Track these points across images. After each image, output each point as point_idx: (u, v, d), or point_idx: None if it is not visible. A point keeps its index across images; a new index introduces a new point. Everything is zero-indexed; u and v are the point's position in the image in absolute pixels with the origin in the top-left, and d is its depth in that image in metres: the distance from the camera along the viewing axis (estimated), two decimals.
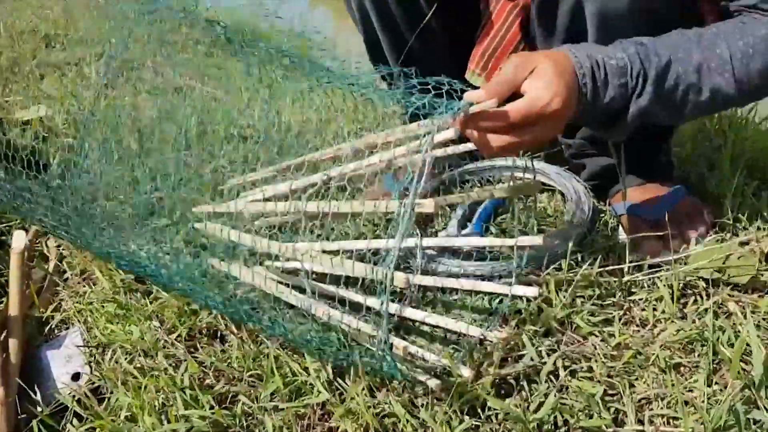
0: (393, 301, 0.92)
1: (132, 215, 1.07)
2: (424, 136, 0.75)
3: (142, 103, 1.49)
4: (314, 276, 0.91)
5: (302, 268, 0.88)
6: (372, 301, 0.85)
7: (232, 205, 0.95)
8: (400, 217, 0.70)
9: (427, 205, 0.79)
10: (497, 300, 0.92)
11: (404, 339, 0.86)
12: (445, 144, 0.87)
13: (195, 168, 1.26)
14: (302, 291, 0.86)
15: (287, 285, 0.89)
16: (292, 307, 0.88)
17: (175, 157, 1.22)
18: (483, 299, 0.93)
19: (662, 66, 0.84)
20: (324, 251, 0.89)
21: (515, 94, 0.81)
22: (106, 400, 0.85)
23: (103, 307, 0.99)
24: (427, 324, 0.89)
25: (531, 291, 0.88)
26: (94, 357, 0.92)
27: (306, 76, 0.96)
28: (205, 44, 1.49)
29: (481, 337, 0.84)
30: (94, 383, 0.88)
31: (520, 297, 0.89)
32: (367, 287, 0.90)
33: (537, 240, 0.89)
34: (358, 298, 0.86)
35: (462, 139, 0.83)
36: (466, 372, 0.78)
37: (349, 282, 0.91)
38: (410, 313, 0.88)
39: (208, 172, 1.28)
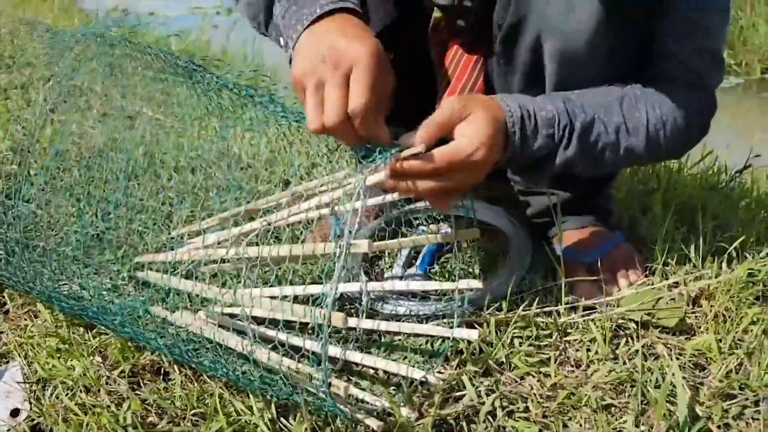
0: (336, 343, 0.94)
1: (74, 249, 1.07)
2: (357, 181, 0.78)
3: (89, 129, 1.48)
4: (255, 320, 0.93)
5: (242, 313, 0.89)
6: (311, 344, 0.87)
7: (173, 254, 0.96)
8: (336, 258, 0.72)
9: (362, 246, 0.82)
10: (439, 341, 0.94)
11: (348, 380, 0.88)
12: (383, 190, 0.90)
13: (140, 198, 1.26)
14: (244, 334, 0.87)
15: (228, 329, 0.90)
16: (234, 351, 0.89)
17: (122, 187, 1.22)
18: (426, 341, 0.95)
19: (587, 122, 0.90)
20: (263, 296, 0.91)
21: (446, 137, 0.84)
22: None
23: (44, 341, 0.98)
24: (368, 367, 0.91)
25: (472, 334, 0.91)
26: (35, 393, 0.91)
27: (256, 107, 0.98)
28: (155, 69, 1.49)
29: (423, 379, 0.86)
30: (33, 420, 0.87)
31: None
32: (311, 329, 0.92)
33: (477, 284, 0.93)
34: (296, 341, 0.88)
35: None
36: (408, 413, 0.80)
37: (293, 326, 0.93)
38: (351, 355, 0.90)
39: (154, 203, 1.28)
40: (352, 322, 0.95)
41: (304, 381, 0.82)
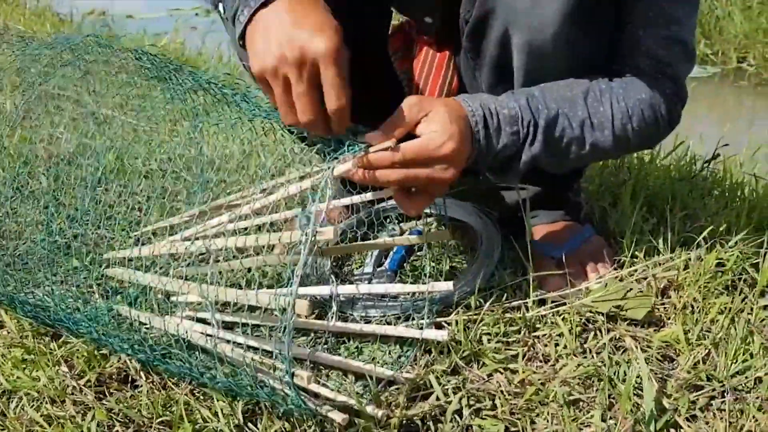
0: (304, 346, 0.94)
1: (42, 256, 1.05)
2: (324, 171, 0.78)
3: (59, 135, 1.47)
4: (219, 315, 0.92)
5: (207, 302, 0.88)
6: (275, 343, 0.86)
7: (142, 250, 0.95)
8: (301, 245, 0.72)
9: (327, 233, 0.81)
10: (408, 342, 0.94)
11: (316, 381, 0.87)
12: (351, 188, 0.89)
13: (109, 204, 1.25)
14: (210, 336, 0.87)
15: (194, 320, 0.89)
16: (203, 351, 0.88)
17: (90, 193, 1.21)
18: (395, 341, 0.95)
19: (550, 118, 0.90)
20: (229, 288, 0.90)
21: (409, 136, 0.84)
22: None
23: (9, 351, 0.96)
24: (335, 368, 0.90)
25: (441, 335, 0.90)
26: None
27: (230, 107, 0.97)
28: (128, 72, 1.48)
29: (391, 378, 0.86)
30: None
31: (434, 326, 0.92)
32: (275, 328, 0.91)
33: (448, 286, 0.92)
34: (259, 321, 0.87)
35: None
36: (374, 411, 0.80)
37: (257, 328, 0.92)
38: (318, 356, 0.90)
39: (124, 209, 1.27)
40: (321, 322, 0.95)
41: (268, 374, 0.81)
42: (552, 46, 0.91)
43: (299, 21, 0.77)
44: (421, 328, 0.93)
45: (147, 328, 0.90)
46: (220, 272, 0.94)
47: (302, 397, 0.74)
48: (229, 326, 0.92)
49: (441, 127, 0.83)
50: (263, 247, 0.87)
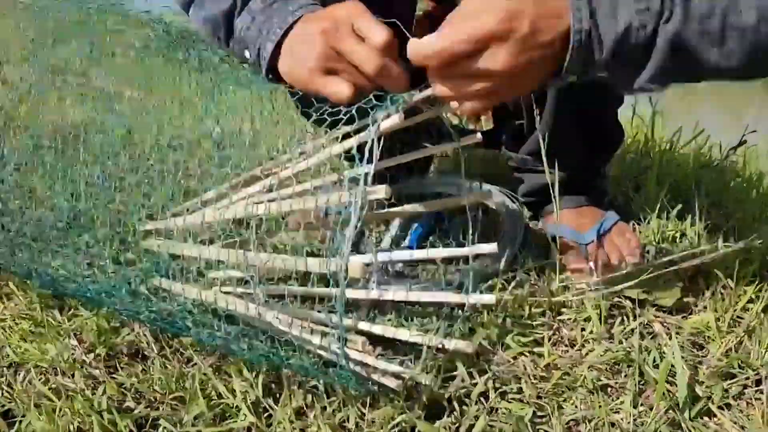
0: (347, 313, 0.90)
1: (52, 228, 1.02)
2: (371, 125, 0.72)
3: (68, 108, 1.43)
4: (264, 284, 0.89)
5: (251, 274, 0.83)
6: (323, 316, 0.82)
7: (178, 221, 0.91)
8: (353, 206, 0.67)
9: (380, 191, 0.73)
10: (439, 320, 0.90)
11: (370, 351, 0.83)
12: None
13: (122, 178, 1.21)
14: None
15: (237, 296, 0.85)
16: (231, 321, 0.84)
17: (100, 167, 1.17)
18: (432, 316, 0.91)
19: None
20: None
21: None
22: (18, 423, 0.80)
23: (17, 323, 0.93)
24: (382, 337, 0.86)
25: (487, 298, 0.87)
26: (6, 377, 0.87)
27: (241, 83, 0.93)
28: (137, 48, 1.44)
29: (440, 345, 0.83)
30: (4, 406, 0.83)
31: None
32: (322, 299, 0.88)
33: (491, 248, 0.88)
34: (310, 290, 0.83)
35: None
36: (426, 378, 0.77)
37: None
38: (365, 326, 0.86)
39: (135, 182, 1.24)
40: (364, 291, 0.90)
41: (312, 343, 0.78)
42: None
43: (321, 13, 0.77)
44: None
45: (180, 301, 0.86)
46: (261, 243, 0.90)
47: (351, 365, 0.71)
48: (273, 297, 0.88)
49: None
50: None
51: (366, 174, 0.65)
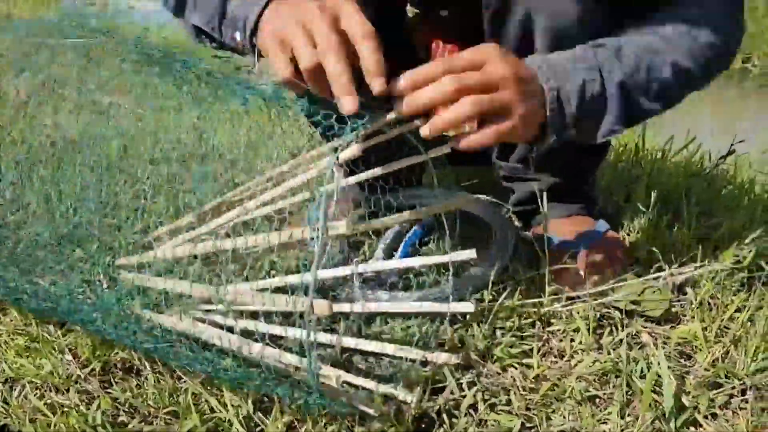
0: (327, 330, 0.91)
1: (47, 244, 1.03)
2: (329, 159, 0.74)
3: (64, 121, 1.44)
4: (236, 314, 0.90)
5: (223, 307, 0.85)
6: (298, 332, 0.84)
7: (154, 254, 0.93)
8: (315, 242, 0.68)
9: (341, 227, 0.78)
10: (428, 324, 0.92)
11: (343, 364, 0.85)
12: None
13: (116, 193, 1.22)
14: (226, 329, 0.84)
15: (205, 322, 0.86)
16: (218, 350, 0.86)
17: (95, 181, 1.18)
18: (414, 327, 0.92)
19: (616, 46, 0.83)
20: (243, 288, 0.88)
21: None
22: None
23: (12, 339, 0.95)
24: (360, 352, 0.88)
25: (463, 306, 0.88)
26: (1, 393, 0.88)
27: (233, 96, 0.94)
28: (132, 61, 1.45)
29: (423, 359, 0.84)
30: (0, 421, 0.84)
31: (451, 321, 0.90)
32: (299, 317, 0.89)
33: (470, 254, 0.89)
34: (279, 330, 0.85)
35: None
36: (406, 395, 0.78)
37: (276, 316, 0.90)
38: (345, 341, 0.87)
39: (129, 196, 1.25)
40: (345, 307, 0.91)
41: (289, 372, 0.79)
42: (575, 29, 0.88)
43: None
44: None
45: (157, 325, 0.87)
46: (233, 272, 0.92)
47: (329, 396, 0.72)
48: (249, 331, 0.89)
49: (492, 47, 0.76)
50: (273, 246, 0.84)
51: (325, 211, 0.66)
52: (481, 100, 0.73)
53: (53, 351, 0.91)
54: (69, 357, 0.91)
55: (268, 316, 0.88)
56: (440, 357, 0.84)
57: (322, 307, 0.71)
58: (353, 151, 0.76)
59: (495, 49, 0.76)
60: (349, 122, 0.70)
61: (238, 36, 0.83)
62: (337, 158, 0.71)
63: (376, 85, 0.70)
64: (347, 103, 0.69)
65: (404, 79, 0.73)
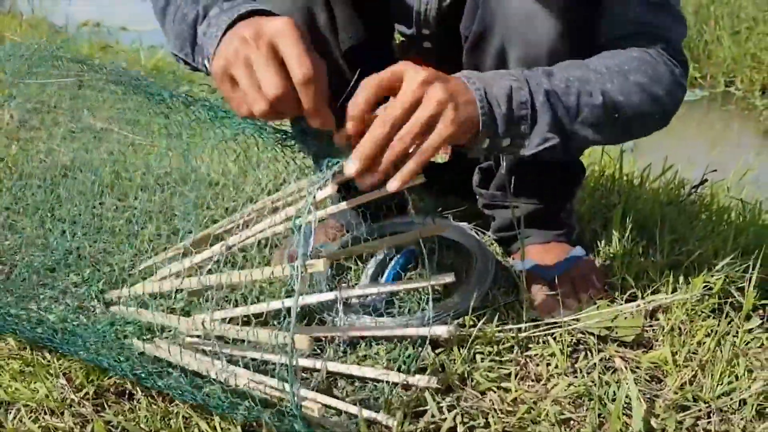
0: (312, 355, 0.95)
1: (40, 270, 1.06)
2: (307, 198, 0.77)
3: (57, 147, 1.48)
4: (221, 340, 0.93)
5: (209, 339, 0.89)
6: (279, 359, 0.87)
7: (142, 287, 0.97)
8: (295, 280, 0.72)
9: (317, 265, 0.82)
10: (408, 349, 0.95)
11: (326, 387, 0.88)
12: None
13: (108, 219, 1.26)
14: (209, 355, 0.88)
15: (195, 351, 0.90)
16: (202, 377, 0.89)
17: (89, 208, 1.22)
18: (394, 351, 0.96)
19: (547, 71, 0.87)
20: (227, 320, 0.91)
21: None
22: None
23: (7, 363, 0.97)
24: (342, 375, 0.91)
25: (443, 330, 0.93)
26: None
27: (223, 125, 0.98)
28: (124, 86, 1.49)
29: (405, 383, 0.88)
30: None
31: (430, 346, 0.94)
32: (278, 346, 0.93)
33: (450, 278, 0.93)
34: (265, 356, 0.88)
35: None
36: (386, 419, 0.82)
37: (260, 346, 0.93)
38: (329, 366, 0.91)
39: (122, 222, 1.28)
40: (328, 332, 0.95)
41: (273, 400, 0.82)
42: (547, 60, 0.92)
43: (260, 18, 0.79)
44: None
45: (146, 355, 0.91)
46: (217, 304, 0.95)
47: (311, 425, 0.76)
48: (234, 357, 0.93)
49: (424, 71, 0.78)
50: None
51: (305, 250, 0.70)
52: (408, 131, 0.77)
53: (48, 375, 0.94)
54: (63, 381, 0.94)
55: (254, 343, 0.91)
56: (421, 381, 0.88)
57: (302, 341, 0.74)
58: (328, 191, 0.80)
59: (406, 64, 0.79)
60: (325, 162, 0.76)
61: (207, 64, 0.86)
62: (314, 197, 0.75)
63: (315, 124, 0.78)
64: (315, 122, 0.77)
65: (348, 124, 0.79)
